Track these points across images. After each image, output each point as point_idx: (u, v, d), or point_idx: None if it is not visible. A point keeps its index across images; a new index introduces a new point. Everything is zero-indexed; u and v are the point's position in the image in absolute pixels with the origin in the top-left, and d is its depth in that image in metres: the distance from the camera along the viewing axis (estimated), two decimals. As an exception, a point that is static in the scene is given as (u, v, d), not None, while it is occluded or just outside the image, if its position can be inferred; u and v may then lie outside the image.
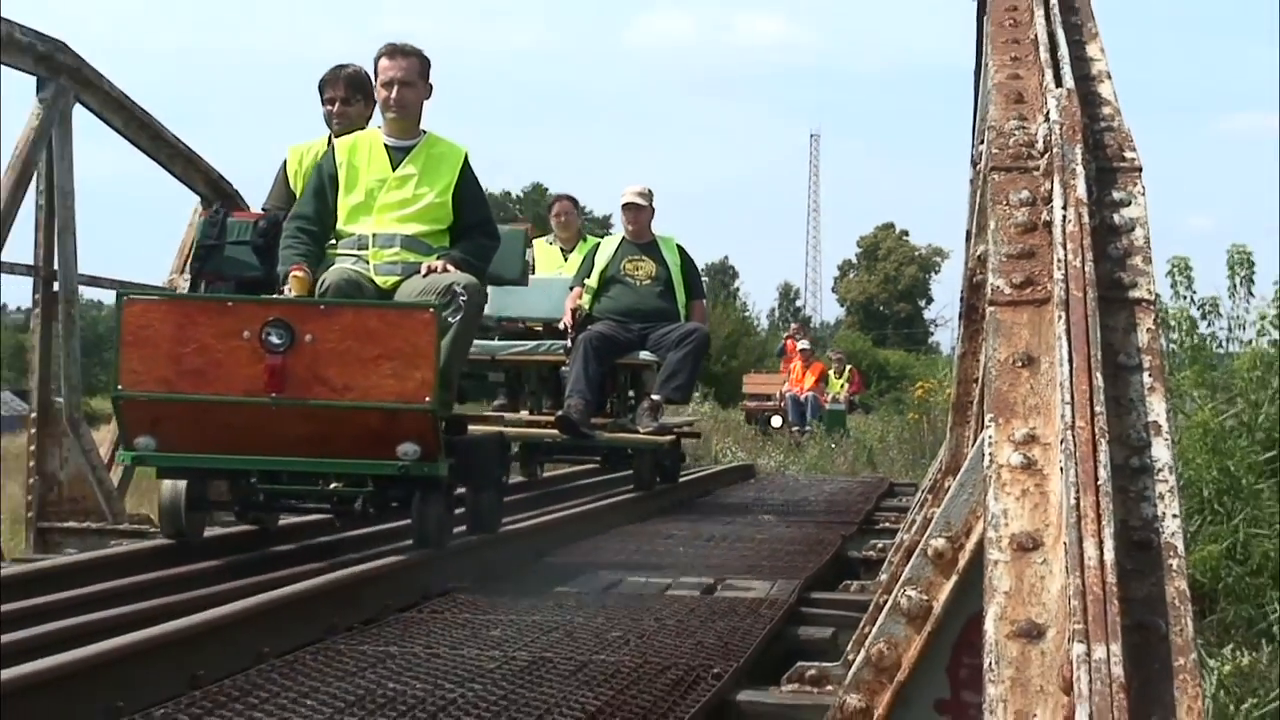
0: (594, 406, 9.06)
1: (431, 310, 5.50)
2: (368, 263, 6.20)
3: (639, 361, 9.36)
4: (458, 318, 5.79)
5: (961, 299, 4.77)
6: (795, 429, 24.20)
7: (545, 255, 10.92)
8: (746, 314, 46.81)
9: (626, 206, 9.90)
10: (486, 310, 9.88)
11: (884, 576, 5.68)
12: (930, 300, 65.31)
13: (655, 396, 9.12)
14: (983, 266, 2.68)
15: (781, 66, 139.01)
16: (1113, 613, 1.62)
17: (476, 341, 11.09)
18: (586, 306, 9.52)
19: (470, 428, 7.39)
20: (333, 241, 6.30)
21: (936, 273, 64.53)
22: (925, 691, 2.24)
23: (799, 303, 71.19)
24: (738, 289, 59.57)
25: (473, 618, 4.91)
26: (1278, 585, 7.60)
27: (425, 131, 6.48)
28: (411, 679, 3.82)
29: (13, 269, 8.49)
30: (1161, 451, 1.95)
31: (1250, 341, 8.79)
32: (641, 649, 4.36)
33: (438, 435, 5.46)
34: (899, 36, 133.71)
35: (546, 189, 62.27)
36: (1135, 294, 2.21)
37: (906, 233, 67.15)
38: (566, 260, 10.83)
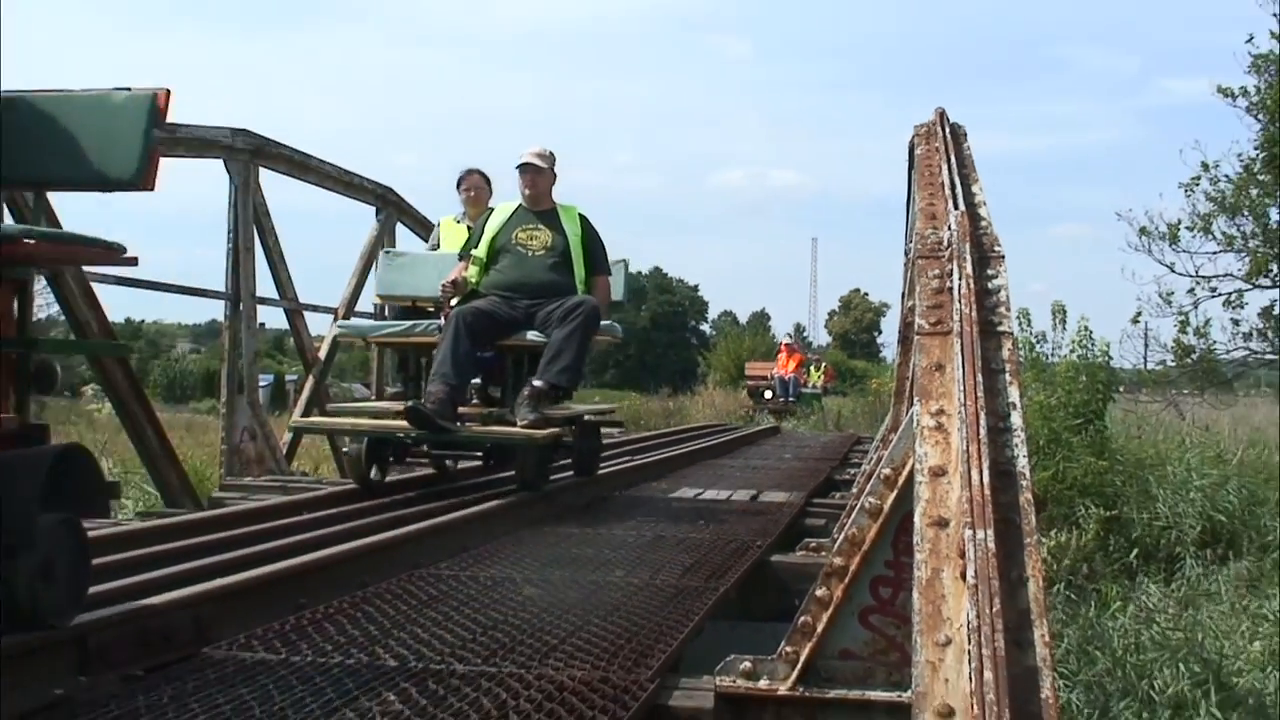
0: (460, 394, 4.87)
1: None
2: None
3: (526, 343, 5.00)
4: None
5: (899, 332, 4.74)
6: (781, 399, 21.63)
7: (451, 233, 6.09)
8: (775, 340, 46.18)
9: (524, 168, 5.28)
10: (379, 290, 5.98)
11: (854, 490, 5.64)
12: (881, 332, 64.19)
13: (537, 383, 4.83)
14: (912, 313, 2.66)
15: (795, 199, 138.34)
16: (988, 512, 1.60)
17: (344, 322, 6.79)
18: (473, 279, 5.21)
19: (297, 419, 4.12)
20: None
21: (884, 317, 63.42)
22: (879, 556, 2.22)
23: (805, 334, 70.37)
24: (770, 327, 58.91)
25: (621, 510, 4.93)
26: (1082, 496, 7.60)
27: None
28: (585, 546, 3.83)
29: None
30: (1016, 419, 1.93)
31: (1065, 356, 8.97)
32: (715, 530, 4.34)
33: None
34: (864, 182, 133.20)
35: (665, 272, 61.80)
36: (1001, 329, 2.19)
37: (867, 293, 66.06)
38: None
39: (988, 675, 1.31)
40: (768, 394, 22.32)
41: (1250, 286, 9.70)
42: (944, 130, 3.77)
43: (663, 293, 59.95)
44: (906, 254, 4.81)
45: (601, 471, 5.92)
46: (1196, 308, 9.78)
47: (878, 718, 2.17)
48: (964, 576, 1.55)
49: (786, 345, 24.19)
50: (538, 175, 5.27)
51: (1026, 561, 1.61)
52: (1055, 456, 7.88)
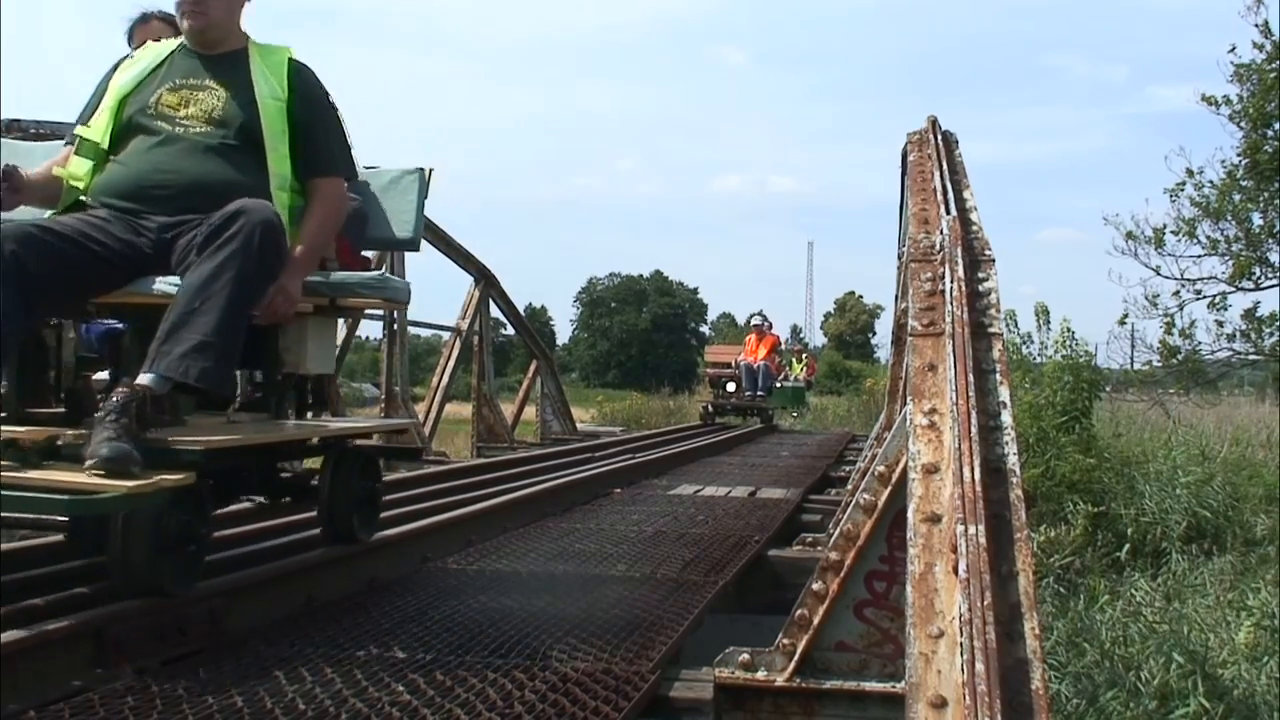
0: None
1: None
2: None
3: (156, 298, 2.21)
4: None
5: (893, 333, 4.72)
6: (749, 394, 15.76)
7: None
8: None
9: None
10: None
11: (850, 486, 5.61)
12: (875, 333, 64.12)
13: (144, 379, 2.06)
14: (906, 315, 2.65)
15: (792, 204, 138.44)
16: (980, 508, 1.59)
17: None
18: (82, 180, 2.42)
19: None
20: None
21: (879, 318, 63.39)
22: (873, 551, 2.21)
23: (801, 335, 70.27)
24: (767, 330, 58.96)
25: (622, 507, 4.92)
26: (1070, 492, 7.58)
27: None
28: (591, 542, 3.81)
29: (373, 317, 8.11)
30: (1006, 418, 1.91)
31: (1050, 357, 8.99)
32: (715, 526, 4.33)
33: None
34: (859, 187, 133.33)
35: (666, 275, 61.66)
36: (991, 330, 2.17)
37: (862, 296, 66.08)
38: None
39: (979, 667, 1.30)
40: (730, 386, 16.33)
41: (1233, 289, 9.69)
42: (936, 138, 3.76)
43: (664, 295, 60.00)
44: (900, 257, 4.82)
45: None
46: (1181, 309, 9.77)
47: (873, 708, 2.16)
48: (956, 571, 1.54)
49: (757, 328, 17.27)
50: None
51: (1017, 556, 1.60)
52: (1044, 454, 7.88)
